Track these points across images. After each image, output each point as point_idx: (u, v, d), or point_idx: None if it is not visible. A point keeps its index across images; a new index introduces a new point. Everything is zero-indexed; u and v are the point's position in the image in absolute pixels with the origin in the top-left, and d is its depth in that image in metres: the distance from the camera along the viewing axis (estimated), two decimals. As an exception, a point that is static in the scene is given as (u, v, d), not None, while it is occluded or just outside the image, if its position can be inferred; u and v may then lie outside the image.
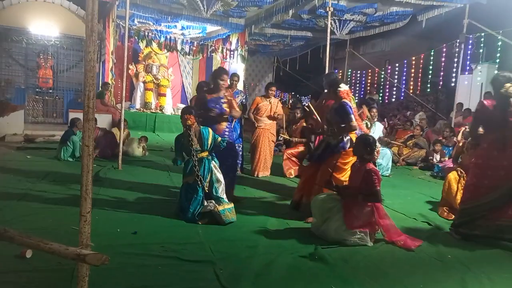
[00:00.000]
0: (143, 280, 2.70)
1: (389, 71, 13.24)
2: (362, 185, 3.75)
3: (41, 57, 10.55)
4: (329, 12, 7.71)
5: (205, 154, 4.12)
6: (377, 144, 3.99)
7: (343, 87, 4.40)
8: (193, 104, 5.69)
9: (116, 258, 2.85)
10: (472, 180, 4.03)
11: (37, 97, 10.67)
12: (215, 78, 4.85)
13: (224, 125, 4.82)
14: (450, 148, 8.33)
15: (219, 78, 4.82)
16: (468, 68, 10.80)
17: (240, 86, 12.26)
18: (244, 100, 7.19)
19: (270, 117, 6.60)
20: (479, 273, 3.19)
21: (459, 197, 4.55)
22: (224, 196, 4.11)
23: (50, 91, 10.79)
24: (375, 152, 3.89)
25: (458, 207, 4.27)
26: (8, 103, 8.98)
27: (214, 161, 4.19)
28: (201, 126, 4.20)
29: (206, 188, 4.02)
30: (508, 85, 3.77)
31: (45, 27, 9.80)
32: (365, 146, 3.84)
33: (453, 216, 4.52)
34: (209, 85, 5.17)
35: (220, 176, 4.16)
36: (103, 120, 8.98)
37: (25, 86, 10.53)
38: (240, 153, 6.37)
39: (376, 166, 4.03)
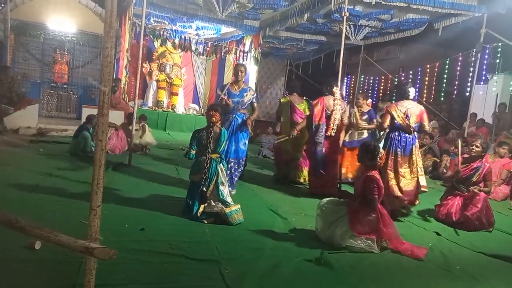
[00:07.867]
0: (149, 277, 2.72)
1: (403, 78, 13.10)
2: (363, 191, 3.76)
3: (58, 52, 10.67)
4: (345, 17, 7.67)
5: (215, 155, 4.13)
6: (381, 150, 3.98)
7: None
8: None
9: (122, 253, 2.87)
10: None
11: (51, 91, 10.80)
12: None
13: None
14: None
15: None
16: (483, 78, 10.64)
17: (252, 87, 12.30)
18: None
19: None
20: (488, 286, 3.15)
21: None
22: (229, 199, 4.10)
23: (65, 86, 10.92)
24: (378, 159, 3.85)
25: None
26: (25, 97, 9.11)
27: (222, 164, 4.19)
28: (223, 128, 4.19)
29: (210, 190, 4.01)
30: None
31: (62, 23, 9.97)
32: (366, 153, 3.85)
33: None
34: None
35: (224, 179, 4.16)
36: (113, 117, 9.04)
37: (41, 80, 10.65)
38: None
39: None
